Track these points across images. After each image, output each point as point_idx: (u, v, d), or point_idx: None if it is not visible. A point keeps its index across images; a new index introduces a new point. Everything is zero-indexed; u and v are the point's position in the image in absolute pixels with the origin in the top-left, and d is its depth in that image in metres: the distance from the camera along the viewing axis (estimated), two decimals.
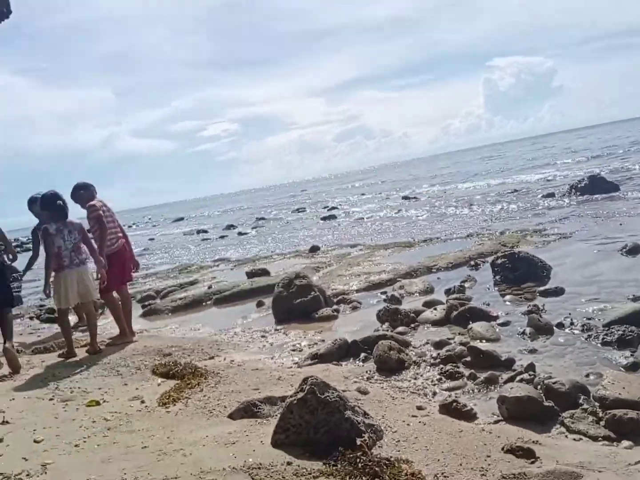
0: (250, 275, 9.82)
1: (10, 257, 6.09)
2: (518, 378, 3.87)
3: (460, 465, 2.73)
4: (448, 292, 6.74)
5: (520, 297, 6.18)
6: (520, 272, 6.77)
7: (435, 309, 5.87)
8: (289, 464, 2.78)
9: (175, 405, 3.88)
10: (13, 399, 4.38)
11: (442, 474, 2.66)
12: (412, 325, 5.64)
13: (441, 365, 4.36)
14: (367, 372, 4.44)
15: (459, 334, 5.15)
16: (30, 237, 6.99)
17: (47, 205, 5.64)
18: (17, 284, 6.79)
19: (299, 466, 2.74)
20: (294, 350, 5.40)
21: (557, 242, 9.01)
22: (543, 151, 47.83)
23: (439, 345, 4.85)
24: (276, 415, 3.37)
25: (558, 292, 6.07)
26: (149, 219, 57.80)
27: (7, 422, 3.80)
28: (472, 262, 8.21)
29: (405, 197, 24.62)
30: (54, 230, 5.54)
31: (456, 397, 3.70)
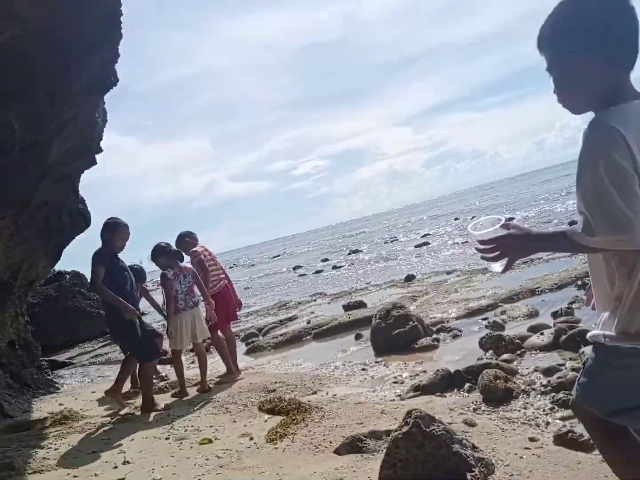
0: (347, 308, 9.87)
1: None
2: None
3: None
4: (555, 314, 6.41)
5: None
6: None
7: (542, 333, 5.60)
8: None
9: (282, 441, 3.95)
10: (133, 439, 4.66)
11: None
12: (518, 352, 5.40)
13: (553, 394, 4.13)
14: (472, 403, 4.30)
15: (570, 359, 4.86)
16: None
17: (163, 253, 6.08)
18: None
19: None
20: (395, 382, 5.34)
21: None
22: None
23: (548, 372, 4.60)
24: (382, 449, 3.34)
25: None
26: (248, 258, 59.85)
27: (128, 462, 4.04)
28: (579, 282, 7.77)
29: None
30: (172, 276, 5.94)
31: (571, 426, 3.48)
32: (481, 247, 1.79)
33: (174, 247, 6.25)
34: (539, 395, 4.20)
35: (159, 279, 6.18)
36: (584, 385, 1.85)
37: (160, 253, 6.09)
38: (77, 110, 6.15)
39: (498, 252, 1.76)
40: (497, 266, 1.85)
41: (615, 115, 1.57)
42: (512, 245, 1.75)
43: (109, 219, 5.88)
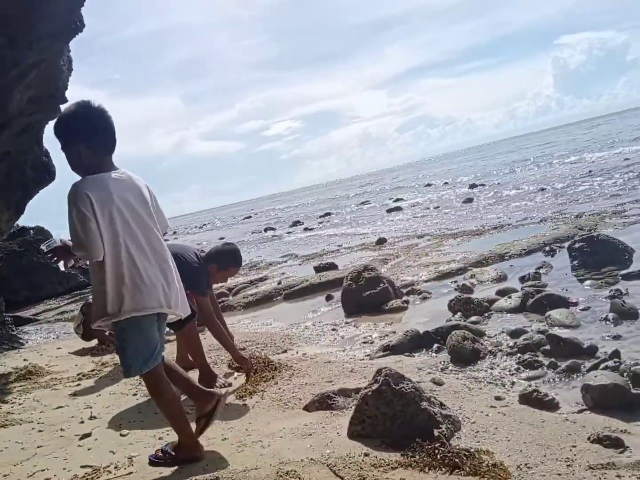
0: (318, 269, 9.87)
1: None
2: (602, 365, 3.69)
3: (544, 456, 2.64)
4: (523, 279, 6.52)
5: (601, 282, 5.88)
6: (600, 256, 6.45)
7: (509, 297, 5.70)
8: (366, 455, 2.77)
9: (251, 398, 3.96)
10: (99, 395, 4.62)
11: (526, 464, 2.57)
12: (486, 314, 5.50)
13: (519, 355, 4.23)
14: (441, 363, 4.37)
15: (537, 321, 4.97)
16: None
17: None
18: None
19: (376, 457, 2.73)
20: (365, 342, 5.38)
21: (638, 223, 8.52)
22: (620, 128, 45.33)
23: (515, 334, 4.69)
24: (351, 407, 3.37)
25: None
26: (219, 218, 59.34)
27: (95, 417, 4.00)
28: (547, 248, 7.91)
29: (472, 185, 24.02)
30: None
31: (536, 386, 3.57)
32: (48, 255, 2.86)
33: None
34: (505, 356, 4.29)
35: None
36: (121, 361, 2.80)
37: None
38: (40, 57, 5.85)
39: (56, 258, 2.84)
40: (61, 266, 2.92)
41: (87, 182, 2.65)
42: (60, 252, 2.82)
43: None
